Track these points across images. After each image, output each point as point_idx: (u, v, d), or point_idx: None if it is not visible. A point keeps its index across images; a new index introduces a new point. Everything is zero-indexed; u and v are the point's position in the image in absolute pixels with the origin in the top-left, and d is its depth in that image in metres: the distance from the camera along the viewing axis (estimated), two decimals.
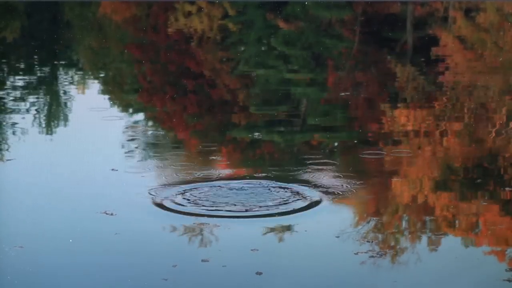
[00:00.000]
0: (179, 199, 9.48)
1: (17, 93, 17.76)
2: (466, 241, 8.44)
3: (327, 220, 8.85)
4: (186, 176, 10.61)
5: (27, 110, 15.62)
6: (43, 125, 14.55)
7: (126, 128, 14.14)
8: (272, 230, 8.58)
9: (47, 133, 14.07)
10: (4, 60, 24.97)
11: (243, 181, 10.20)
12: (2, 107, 15.90)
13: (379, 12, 36.81)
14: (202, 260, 7.69)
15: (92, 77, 21.80)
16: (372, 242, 8.17)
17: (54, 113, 15.70)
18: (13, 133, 13.60)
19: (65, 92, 18.24)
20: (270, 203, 9.30)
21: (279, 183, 10.11)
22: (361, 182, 10.27)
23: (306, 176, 10.48)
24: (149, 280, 7.27)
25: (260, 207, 9.19)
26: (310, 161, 11.72)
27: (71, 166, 11.36)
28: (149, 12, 38.38)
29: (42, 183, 10.52)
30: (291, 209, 9.14)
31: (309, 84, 19.47)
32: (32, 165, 11.54)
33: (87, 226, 8.71)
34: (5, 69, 22.85)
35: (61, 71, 22.13)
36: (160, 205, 9.28)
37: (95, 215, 9.01)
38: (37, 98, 17.39)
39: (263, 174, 10.62)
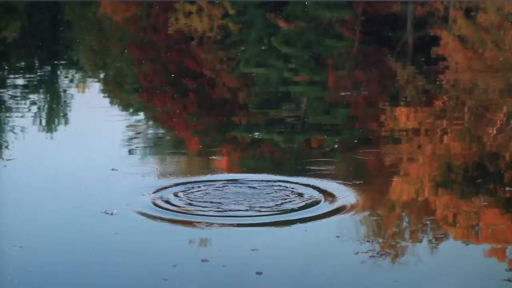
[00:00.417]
0: (179, 199, 9.48)
1: (17, 93, 17.76)
2: (466, 241, 8.44)
3: (327, 220, 8.84)
4: (186, 176, 10.61)
5: (28, 110, 15.62)
6: (43, 125, 14.56)
7: (127, 127, 14.14)
8: (272, 230, 8.57)
9: (47, 133, 14.07)
10: (4, 60, 24.96)
11: (243, 181, 10.20)
12: (3, 107, 15.90)
13: (380, 11, 36.80)
14: (202, 260, 7.69)
15: (92, 76, 21.80)
16: (372, 241, 8.17)
17: (54, 113, 15.71)
18: (13, 132, 13.59)
19: (65, 92, 18.24)
20: (270, 203, 9.30)
21: (278, 183, 10.11)
22: (361, 181, 10.27)
23: (305, 176, 10.47)
24: (149, 280, 7.27)
25: (261, 206, 9.18)
26: (309, 161, 11.72)
27: (71, 166, 11.36)
28: (149, 12, 38.38)
29: (42, 183, 10.52)
30: (291, 208, 9.14)
31: (309, 84, 19.47)
32: (32, 164, 11.54)
33: (87, 226, 8.71)
34: (6, 68, 22.85)
35: (61, 71, 22.13)
36: (161, 205, 9.28)
37: (95, 215, 9.01)
38: (37, 97, 17.40)
39: (263, 174, 10.62)
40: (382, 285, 7.26)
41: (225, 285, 7.21)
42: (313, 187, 9.92)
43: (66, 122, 15.14)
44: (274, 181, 10.16)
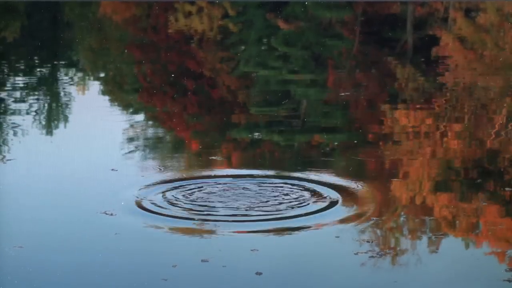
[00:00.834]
0: (178, 199, 9.48)
1: (17, 94, 17.76)
2: (466, 242, 8.44)
3: (326, 220, 8.84)
4: (186, 176, 10.61)
5: (27, 110, 15.62)
6: (43, 125, 14.55)
7: (126, 128, 14.14)
8: (271, 230, 8.57)
9: (47, 133, 14.07)
10: (4, 60, 24.96)
11: (242, 180, 10.20)
12: (2, 108, 15.90)
13: (379, 12, 36.80)
14: (202, 260, 7.69)
15: (92, 77, 21.80)
16: (372, 242, 8.17)
17: (54, 113, 15.70)
18: (13, 133, 13.59)
19: (65, 92, 18.24)
20: (271, 203, 9.30)
21: (277, 182, 10.11)
22: (361, 182, 10.27)
23: (305, 176, 10.47)
24: (149, 280, 7.27)
25: (260, 206, 9.19)
26: (309, 161, 11.73)
27: (71, 166, 11.36)
28: (149, 12, 38.37)
29: (42, 183, 10.52)
30: (290, 208, 9.14)
31: (309, 84, 19.47)
32: (32, 165, 11.54)
33: (87, 226, 8.71)
34: (5, 69, 22.84)
35: (61, 71, 22.12)
36: (161, 205, 9.28)
37: (95, 215, 9.01)
38: (37, 98, 17.39)
39: (263, 174, 10.62)
40: (381, 286, 7.26)
41: (225, 285, 7.21)
42: (313, 186, 9.92)
43: (66, 123, 15.14)
44: (273, 181, 10.17)
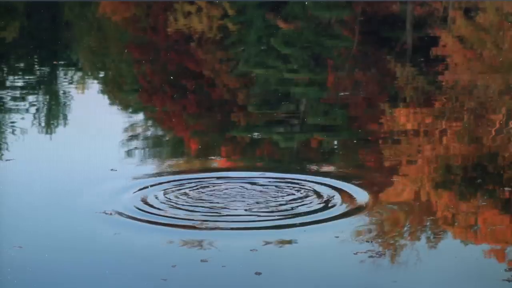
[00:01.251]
0: (178, 199, 9.48)
1: (17, 93, 17.76)
2: (466, 241, 8.44)
3: (326, 220, 8.84)
4: (186, 176, 10.61)
5: (27, 110, 15.62)
6: (43, 125, 14.56)
7: (126, 128, 14.14)
8: (271, 229, 8.58)
9: (46, 133, 14.07)
10: (3, 60, 24.96)
11: (242, 181, 10.21)
12: (2, 107, 15.90)
13: (379, 12, 36.80)
14: (201, 260, 7.69)
15: (91, 77, 21.80)
16: (371, 242, 8.17)
17: (54, 113, 15.71)
18: (13, 133, 13.60)
19: (64, 92, 18.24)
20: (270, 203, 9.31)
21: (277, 182, 10.11)
22: (360, 181, 10.27)
23: (304, 176, 10.47)
24: (149, 280, 7.27)
25: (259, 206, 9.19)
26: (308, 161, 11.73)
27: (70, 166, 11.36)
28: (148, 12, 38.37)
29: (41, 183, 10.52)
30: (290, 208, 9.14)
31: (308, 84, 19.48)
32: (31, 165, 11.54)
33: (86, 226, 8.71)
34: (5, 69, 22.84)
35: (60, 71, 22.12)
36: (161, 205, 9.28)
37: (95, 215, 9.01)
38: (36, 98, 17.39)
39: (264, 173, 10.62)
40: (381, 285, 7.26)
41: (225, 285, 7.22)
42: (312, 186, 9.92)
43: (65, 123, 15.14)
44: (272, 181, 10.17)
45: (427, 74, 20.52)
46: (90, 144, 12.89)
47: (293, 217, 8.89)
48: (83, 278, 7.36)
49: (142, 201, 9.43)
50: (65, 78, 20.90)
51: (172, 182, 10.20)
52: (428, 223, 8.92)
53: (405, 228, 8.83)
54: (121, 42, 29.49)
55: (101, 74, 22.76)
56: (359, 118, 15.21)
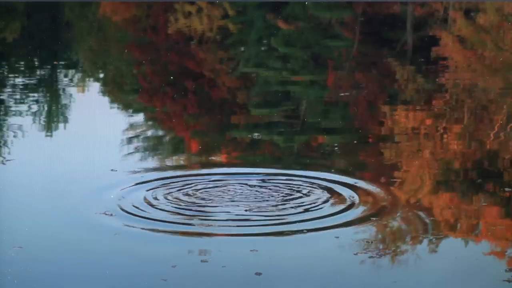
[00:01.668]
0: (178, 199, 9.48)
1: (17, 94, 17.76)
2: (466, 241, 8.44)
3: (326, 220, 8.84)
4: (186, 176, 10.61)
5: (27, 110, 15.62)
6: (43, 125, 14.55)
7: (126, 128, 14.14)
8: (270, 230, 8.58)
9: (46, 134, 14.07)
10: (4, 60, 24.96)
11: (241, 180, 10.21)
12: (2, 108, 15.90)
13: (379, 12, 36.80)
14: (202, 261, 7.69)
15: (92, 77, 21.80)
16: (371, 242, 8.17)
17: (54, 113, 15.71)
18: (13, 133, 13.60)
19: (65, 93, 18.24)
20: (270, 203, 9.31)
21: (276, 182, 10.12)
22: (360, 181, 10.26)
23: (304, 177, 10.47)
24: (149, 280, 7.27)
25: (259, 206, 9.19)
26: (308, 161, 11.73)
27: (70, 166, 11.36)
28: (149, 12, 38.37)
29: (41, 184, 10.52)
30: (290, 208, 9.14)
31: (309, 84, 19.48)
32: (31, 165, 11.54)
33: (86, 226, 8.71)
34: (5, 69, 22.84)
35: (61, 72, 22.13)
36: (161, 205, 9.28)
37: (95, 215, 9.01)
38: (37, 98, 17.39)
39: (263, 173, 10.62)
40: (381, 286, 7.26)
41: (225, 285, 7.22)
42: (312, 187, 9.92)
43: (66, 123, 15.14)
44: (272, 180, 10.18)
45: (427, 74, 20.51)
46: (90, 144, 12.90)
47: (293, 217, 8.90)
48: (83, 278, 7.36)
49: (142, 201, 9.43)
50: (65, 78, 20.90)
51: (172, 183, 10.20)
52: (428, 223, 8.92)
53: (405, 229, 8.83)
54: (122, 42, 29.49)
55: (102, 75, 22.76)
56: (359, 118, 15.21)
